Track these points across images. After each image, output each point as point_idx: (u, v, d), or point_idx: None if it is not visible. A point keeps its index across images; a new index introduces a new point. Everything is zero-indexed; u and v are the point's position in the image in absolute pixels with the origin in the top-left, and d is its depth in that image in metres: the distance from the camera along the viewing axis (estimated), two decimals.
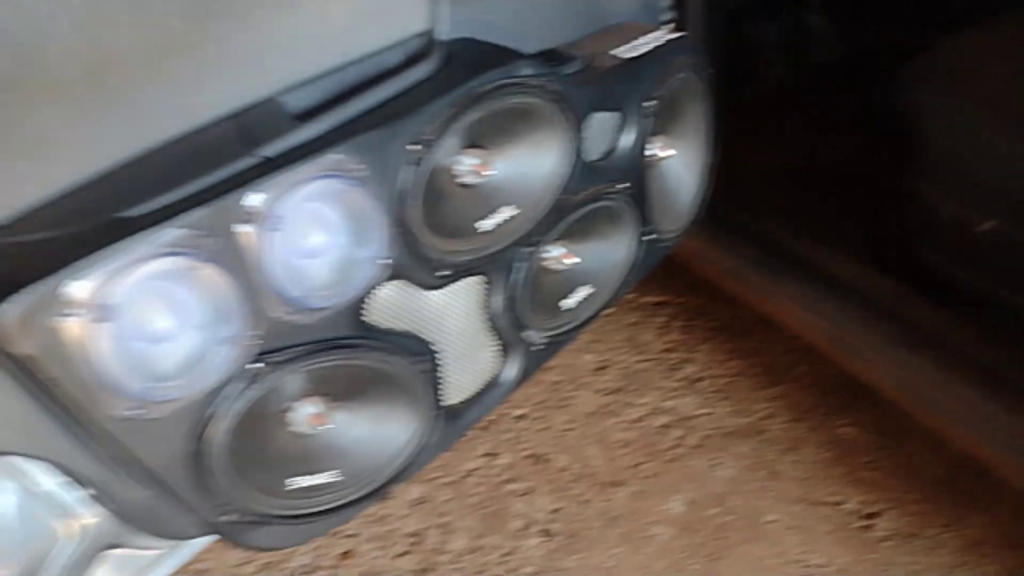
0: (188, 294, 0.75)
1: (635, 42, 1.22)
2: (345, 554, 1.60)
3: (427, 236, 0.94)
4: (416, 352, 0.99)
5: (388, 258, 0.90)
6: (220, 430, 0.79)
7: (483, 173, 0.98)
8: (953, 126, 1.30)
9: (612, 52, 1.19)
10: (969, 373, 1.30)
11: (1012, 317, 1.31)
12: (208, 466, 0.80)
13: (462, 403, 1.11)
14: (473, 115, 0.95)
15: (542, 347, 1.19)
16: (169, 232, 0.71)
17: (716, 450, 1.72)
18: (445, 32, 1.01)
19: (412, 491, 1.70)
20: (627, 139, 1.21)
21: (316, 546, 1.60)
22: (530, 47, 1.15)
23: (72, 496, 0.90)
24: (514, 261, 1.09)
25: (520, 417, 1.86)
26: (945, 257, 1.37)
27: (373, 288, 0.91)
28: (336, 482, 0.95)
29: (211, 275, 0.75)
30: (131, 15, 0.73)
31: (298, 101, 0.90)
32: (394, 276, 0.93)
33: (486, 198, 1.02)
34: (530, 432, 1.82)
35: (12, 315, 0.63)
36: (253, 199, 0.76)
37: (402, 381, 0.97)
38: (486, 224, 1.02)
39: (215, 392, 0.79)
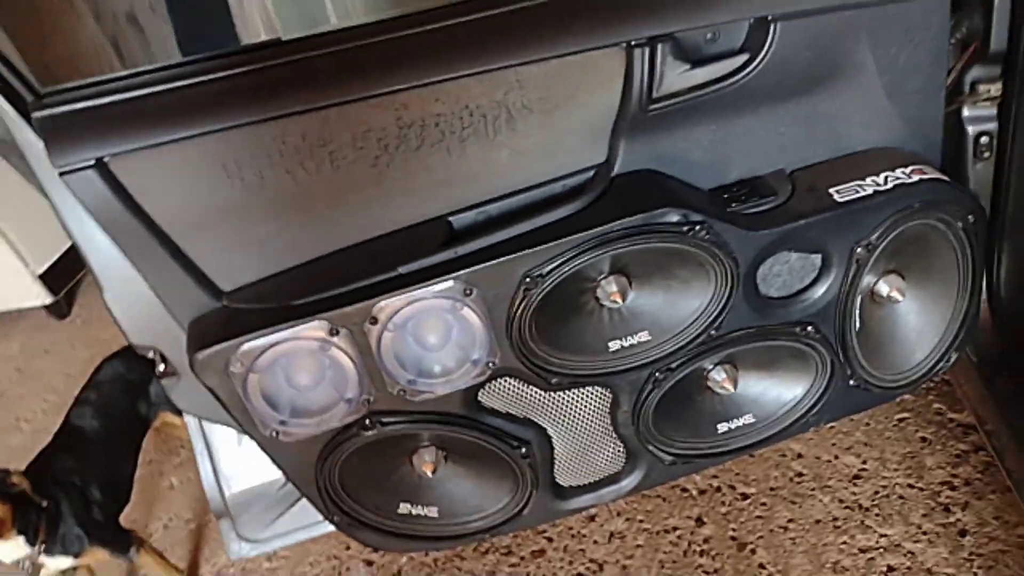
0: (322, 362, 1.03)
1: (873, 177, 1.11)
2: (537, 552, 1.83)
3: (542, 349, 1.07)
4: (522, 439, 1.13)
5: (492, 362, 1.06)
6: (333, 459, 1.08)
7: (616, 300, 1.06)
8: None
9: (832, 189, 1.11)
10: None
11: None
12: (323, 481, 1.09)
13: (575, 487, 1.22)
14: (608, 252, 1.02)
15: (673, 463, 1.22)
16: (309, 324, 0.99)
17: None
18: (617, 165, 1.07)
19: (615, 523, 1.84)
20: (824, 286, 1.13)
21: (520, 537, 1.86)
22: (738, 172, 1.14)
23: None
24: (645, 383, 1.14)
25: (744, 495, 1.83)
26: None
27: (484, 382, 1.08)
28: (434, 517, 1.17)
29: (338, 355, 1.02)
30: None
31: (467, 220, 1.08)
32: (505, 375, 1.09)
33: (623, 321, 1.10)
34: (746, 515, 1.78)
35: (201, 358, 0.98)
36: (376, 308, 1.00)
37: (506, 462, 1.14)
38: (616, 344, 1.10)
39: (335, 434, 1.07)
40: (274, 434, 1.05)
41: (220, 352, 0.98)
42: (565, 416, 1.17)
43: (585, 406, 1.17)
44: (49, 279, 3.00)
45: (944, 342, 1.21)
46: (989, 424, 1.38)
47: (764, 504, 1.79)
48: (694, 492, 1.85)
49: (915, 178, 1.10)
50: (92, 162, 0.90)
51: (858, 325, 1.18)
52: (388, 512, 1.16)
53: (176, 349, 1.06)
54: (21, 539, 1.54)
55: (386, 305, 0.99)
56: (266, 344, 0.99)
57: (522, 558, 1.83)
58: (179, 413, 1.80)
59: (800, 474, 1.83)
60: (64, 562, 1.66)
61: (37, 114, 0.90)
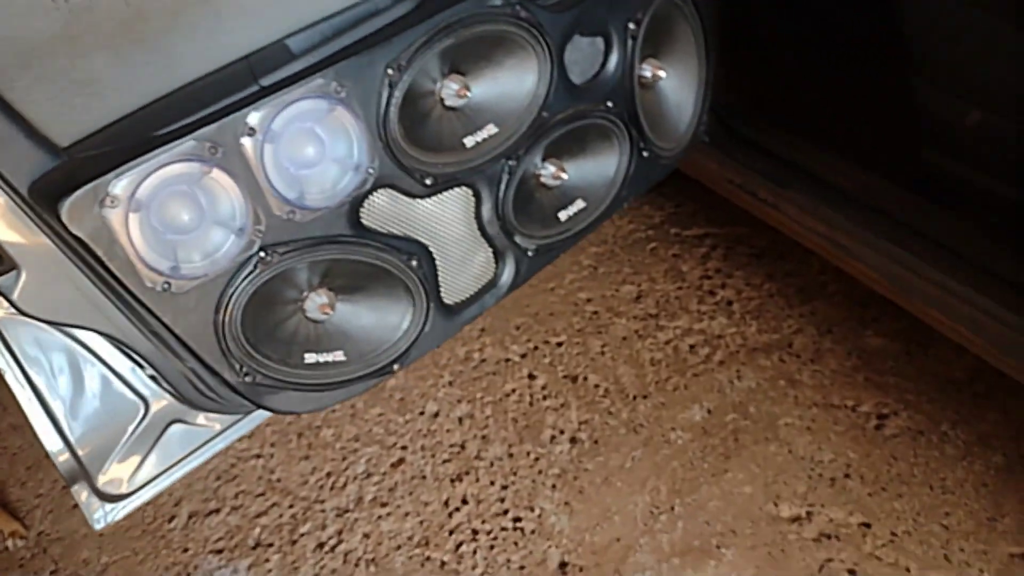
0: (203, 193, 0.94)
1: None
2: (397, 463, 1.80)
3: (411, 149, 1.10)
4: (409, 251, 1.15)
5: (372, 168, 1.06)
6: (235, 305, 0.99)
7: (463, 95, 1.13)
8: (947, 22, 1.32)
9: None
10: (971, 273, 1.33)
11: (1008, 214, 1.32)
12: (225, 334, 0.99)
13: (460, 302, 1.27)
14: (446, 42, 1.09)
15: (535, 254, 1.33)
16: (184, 144, 0.90)
17: (740, 364, 1.80)
18: None
19: (459, 409, 1.88)
20: (613, 62, 1.32)
21: (371, 457, 1.81)
22: None
23: (141, 378, 1.13)
24: (500, 174, 1.23)
25: (559, 344, 2.00)
26: (947, 156, 1.40)
27: (363, 193, 1.08)
28: (343, 361, 1.13)
29: (220, 178, 0.94)
30: None
31: (301, 43, 1.07)
32: (383, 184, 1.10)
33: (470, 117, 1.17)
34: (568, 356, 1.96)
35: (68, 206, 0.84)
36: (251, 117, 0.95)
37: (400, 277, 1.14)
38: (470, 140, 1.17)
39: (232, 275, 0.98)
40: (165, 286, 0.93)
41: (91, 192, 0.84)
42: (439, 227, 1.20)
43: (454, 214, 1.22)
44: None
45: (699, 108, 1.50)
46: (738, 179, 1.67)
47: (577, 343, 1.98)
48: (516, 358, 1.98)
49: None
50: None
51: (642, 103, 1.40)
52: (296, 363, 1.09)
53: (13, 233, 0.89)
54: None
55: (262, 112, 0.94)
56: (141, 174, 0.88)
57: (384, 474, 1.78)
58: None
59: (595, 312, 2.06)
60: None
61: None
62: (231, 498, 1.80)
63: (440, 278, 1.21)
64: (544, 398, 1.87)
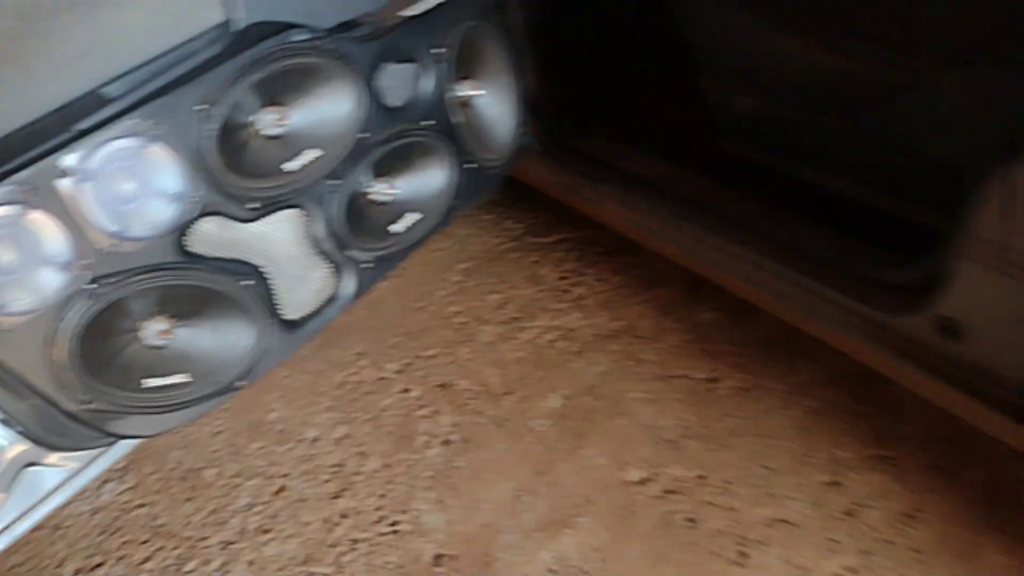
0: (25, 234, 1.00)
1: (422, 3, 1.46)
2: (279, 490, 1.85)
3: (232, 178, 1.18)
4: (241, 273, 1.23)
5: (195, 197, 1.14)
6: (70, 337, 1.04)
7: (281, 124, 1.23)
8: (715, 25, 1.52)
9: (399, 13, 1.43)
10: (767, 245, 1.50)
11: (789, 188, 1.52)
12: (62, 366, 1.05)
13: (303, 317, 1.35)
14: (256, 76, 1.19)
15: (375, 264, 1.43)
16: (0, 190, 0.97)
17: (592, 351, 1.94)
18: (240, 20, 1.24)
19: (337, 431, 1.95)
20: (426, 84, 1.45)
21: (253, 489, 1.85)
22: (330, 21, 1.38)
23: None
24: (327, 194, 1.33)
25: (432, 356, 2.10)
26: (730, 141, 1.59)
27: (189, 221, 1.15)
28: (188, 382, 1.19)
29: (40, 218, 1.01)
30: None
31: (118, 89, 1.14)
32: (209, 212, 1.18)
33: (292, 143, 1.27)
34: (439, 366, 2.06)
35: None
36: (68, 158, 1.02)
37: (234, 298, 1.22)
38: (291, 165, 1.26)
39: (62, 308, 1.04)
40: None
41: None
42: (272, 248, 1.29)
43: (285, 234, 1.31)
44: None
45: (518, 120, 1.65)
46: (566, 183, 1.84)
47: (448, 353, 2.09)
48: (392, 375, 2.06)
49: None
50: None
51: (462, 120, 1.54)
52: (136, 388, 1.14)
53: None
54: None
55: (79, 153, 1.02)
56: None
57: (266, 503, 1.83)
58: None
59: (463, 323, 2.17)
60: None
61: None
62: (115, 550, 1.80)
63: (278, 296, 1.30)
64: (418, 408, 1.95)
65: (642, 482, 1.61)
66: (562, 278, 2.25)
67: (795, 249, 1.32)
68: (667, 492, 1.57)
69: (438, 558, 1.58)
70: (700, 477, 1.59)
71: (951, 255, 1.03)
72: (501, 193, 2.68)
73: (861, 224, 1.25)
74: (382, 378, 2.06)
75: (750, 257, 1.45)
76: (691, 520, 1.51)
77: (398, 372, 2.07)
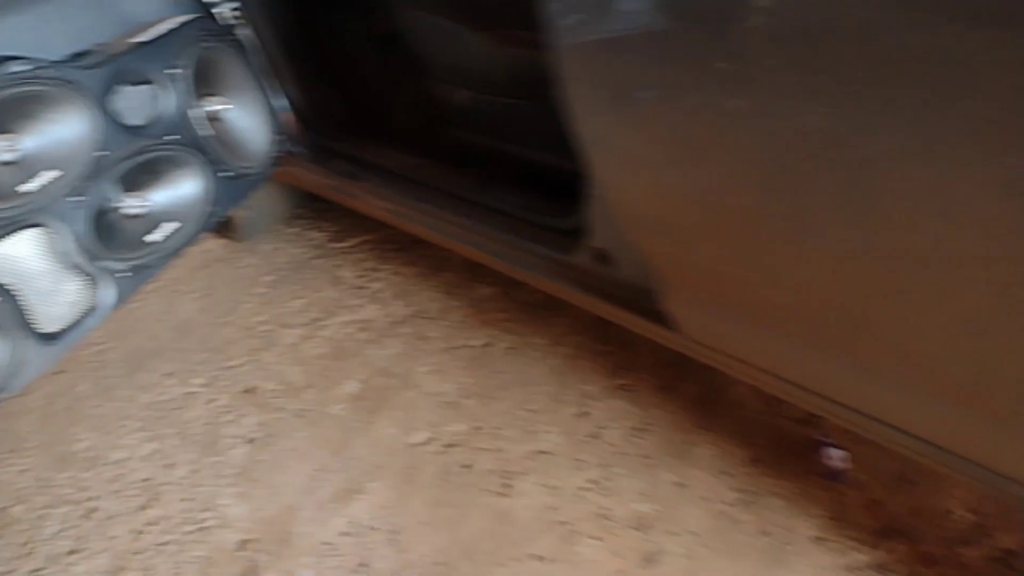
0: None
1: (152, 30, 1.56)
2: (89, 512, 1.87)
3: None
4: None
5: None
6: None
7: (13, 150, 1.30)
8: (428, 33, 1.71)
9: (129, 41, 1.52)
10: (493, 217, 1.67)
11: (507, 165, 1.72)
12: None
13: (62, 329, 1.41)
14: None
15: (133, 273, 1.51)
16: None
17: (387, 337, 2.09)
18: None
19: (146, 448, 1.99)
20: (166, 103, 1.55)
21: (63, 515, 1.86)
22: (59, 53, 1.46)
23: None
24: (70, 211, 1.40)
25: (236, 365, 2.18)
26: (456, 129, 1.78)
27: None
28: None
29: None
30: None
31: None
32: None
33: (28, 166, 1.34)
34: (244, 373, 2.14)
35: None
36: None
37: None
38: (28, 186, 1.33)
39: None
40: None
41: None
42: (18, 266, 1.35)
43: (31, 252, 1.37)
44: None
45: (271, 128, 1.77)
46: (332, 183, 1.98)
47: (253, 360, 2.17)
48: (198, 389, 2.12)
49: (179, 23, 1.60)
50: None
51: (213, 133, 1.64)
52: None
53: None
54: None
55: None
56: None
57: (75, 526, 1.84)
58: None
59: (268, 330, 2.27)
60: None
61: None
62: None
63: (30, 311, 1.36)
64: (225, 414, 2.03)
65: (426, 442, 1.76)
66: (360, 276, 2.38)
67: (503, 213, 1.52)
68: (447, 446, 1.74)
69: (242, 543, 1.66)
70: (475, 428, 1.76)
71: (591, 201, 1.24)
72: (304, 207, 2.79)
73: (549, 185, 1.47)
74: (189, 392, 2.11)
75: (472, 225, 1.63)
76: (466, 466, 1.69)
77: (204, 385, 2.14)
